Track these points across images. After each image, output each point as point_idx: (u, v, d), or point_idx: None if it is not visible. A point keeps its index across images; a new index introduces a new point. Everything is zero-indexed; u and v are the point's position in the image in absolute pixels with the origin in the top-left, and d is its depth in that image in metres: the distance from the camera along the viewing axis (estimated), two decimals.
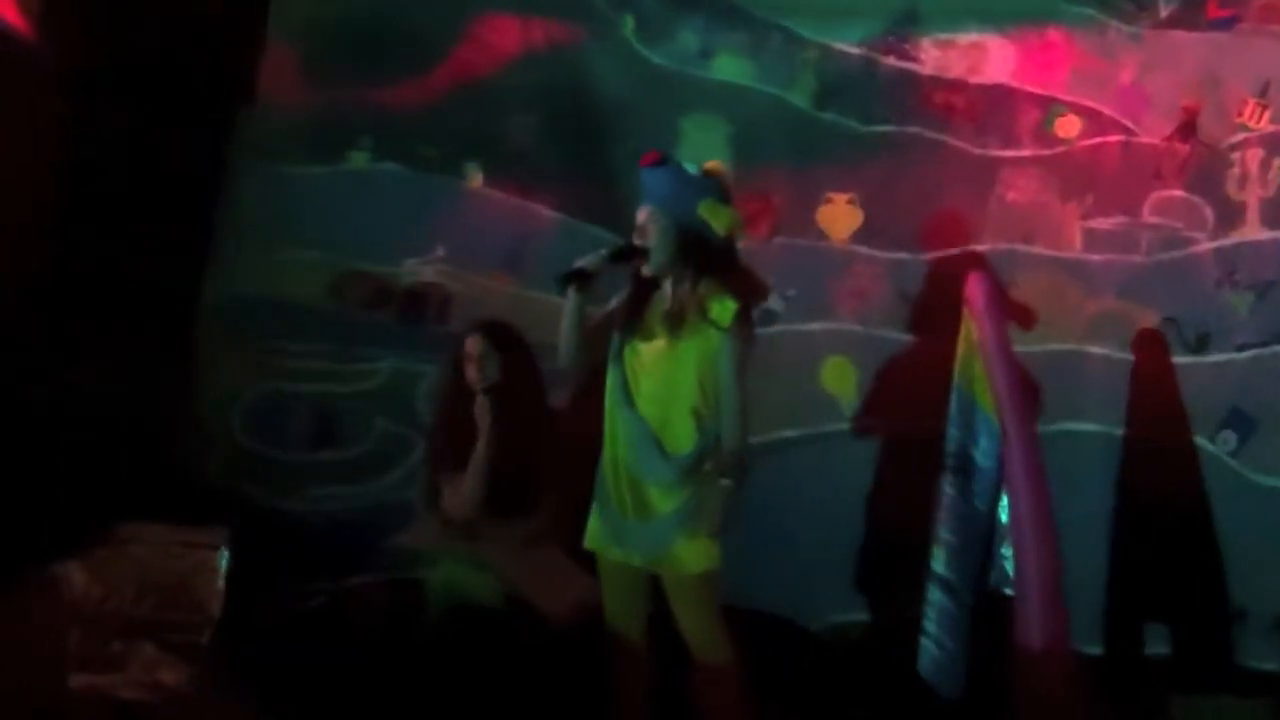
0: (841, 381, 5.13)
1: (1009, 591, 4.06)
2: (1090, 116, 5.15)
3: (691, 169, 3.80)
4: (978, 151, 5.18)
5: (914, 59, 5.23)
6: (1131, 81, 5.14)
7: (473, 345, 4.23)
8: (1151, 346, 5.01)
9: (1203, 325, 4.99)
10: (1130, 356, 5.02)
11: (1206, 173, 5.04)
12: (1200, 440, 4.95)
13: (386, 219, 5.07)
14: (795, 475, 4.99)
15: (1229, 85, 5.06)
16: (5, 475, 4.12)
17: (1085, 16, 5.16)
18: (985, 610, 4.13)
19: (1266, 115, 5.02)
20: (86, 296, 4.62)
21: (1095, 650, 4.85)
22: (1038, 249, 5.13)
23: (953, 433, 4.24)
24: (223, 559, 4.19)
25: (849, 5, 5.27)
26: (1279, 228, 4.97)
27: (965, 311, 4.23)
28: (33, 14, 4.39)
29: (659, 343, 3.78)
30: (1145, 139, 5.10)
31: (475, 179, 5.17)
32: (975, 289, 4.20)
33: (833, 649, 4.96)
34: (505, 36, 5.20)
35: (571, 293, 3.79)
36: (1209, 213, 5.04)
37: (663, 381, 3.77)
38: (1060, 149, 5.16)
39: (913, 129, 5.19)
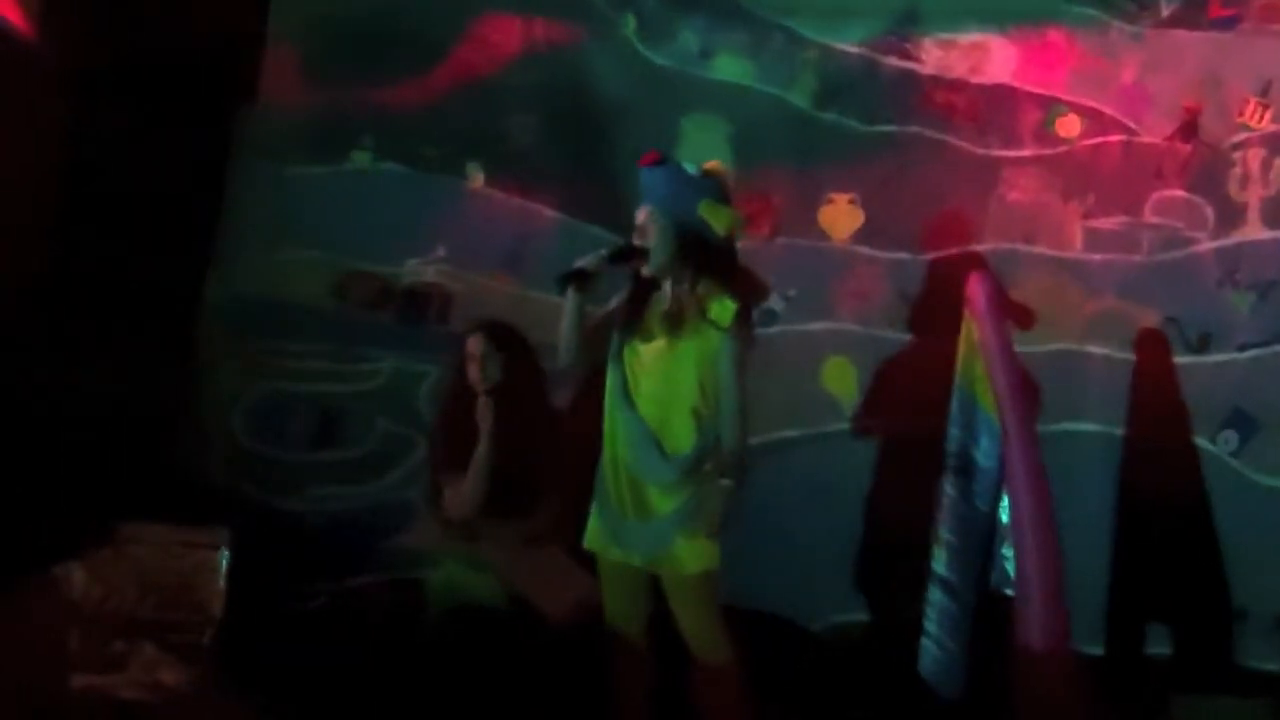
0: (842, 382, 5.13)
1: (1010, 592, 4.06)
2: (1091, 116, 5.15)
3: (691, 169, 3.79)
4: (979, 151, 5.18)
5: (915, 59, 5.23)
6: (1133, 81, 5.14)
7: (474, 345, 4.23)
8: (1153, 346, 5.01)
9: (1204, 325, 4.99)
10: (1131, 356, 5.03)
11: (1208, 172, 5.04)
12: (1201, 440, 4.95)
13: (387, 219, 5.08)
14: (796, 475, 4.99)
15: (1230, 85, 5.06)
16: (6, 475, 4.12)
17: (1086, 16, 5.16)
18: (986, 610, 4.12)
19: (1268, 115, 5.02)
20: (87, 296, 4.63)
21: (1096, 650, 4.85)
22: (1039, 249, 5.13)
23: (954, 433, 4.23)
24: (223, 559, 4.19)
25: (850, 5, 5.27)
26: None
27: (966, 312, 4.23)
28: (34, 14, 4.39)
29: (659, 343, 3.78)
30: (1146, 139, 5.11)
31: (476, 179, 5.18)
32: (976, 289, 4.19)
33: (833, 649, 4.96)
34: (506, 36, 5.21)
35: (571, 293, 3.78)
36: (1210, 212, 5.04)
37: (662, 382, 3.77)
38: (1061, 149, 5.16)
39: (914, 129, 5.19)
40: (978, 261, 4.91)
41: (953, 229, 5.13)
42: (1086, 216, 5.12)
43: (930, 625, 4.19)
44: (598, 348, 3.90)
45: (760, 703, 3.86)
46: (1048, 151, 5.16)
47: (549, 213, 5.15)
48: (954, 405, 4.25)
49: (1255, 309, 4.96)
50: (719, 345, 3.72)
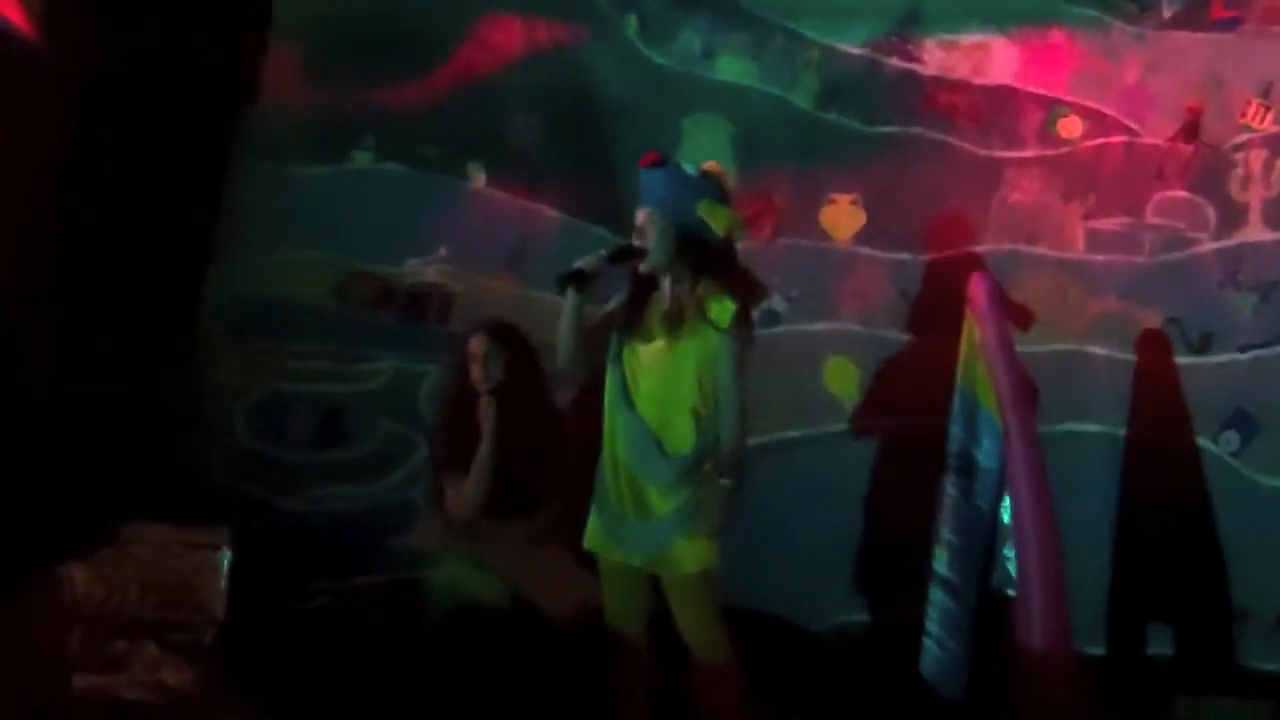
0: (844, 382, 5.13)
1: (1011, 592, 4.06)
2: (1093, 117, 5.15)
3: (690, 169, 3.79)
4: (981, 152, 5.18)
5: (917, 60, 5.23)
6: (1135, 82, 5.14)
7: (477, 345, 4.23)
8: (1154, 347, 5.01)
9: (1205, 326, 5.00)
10: (1133, 357, 5.03)
11: (1209, 173, 5.05)
12: (1203, 441, 4.95)
13: (389, 219, 5.07)
14: (797, 475, 5.00)
15: (1232, 86, 5.06)
16: (7, 475, 4.12)
17: (1088, 17, 5.17)
18: (987, 610, 4.12)
19: (1269, 116, 5.02)
20: (89, 296, 4.63)
21: (1097, 650, 4.85)
22: (1041, 249, 5.13)
23: (955, 433, 4.24)
24: (225, 559, 4.19)
25: (852, 6, 5.27)
26: None
27: (968, 313, 4.23)
28: (35, 14, 4.38)
29: (658, 343, 3.78)
30: (1148, 140, 5.11)
31: (478, 179, 5.18)
32: (977, 290, 4.20)
33: (835, 649, 4.96)
34: (508, 36, 5.20)
35: (571, 293, 3.78)
36: (1212, 213, 5.04)
37: (662, 382, 3.77)
38: (1063, 150, 5.17)
39: (915, 130, 5.19)
40: (976, 262, 4.92)
41: (954, 230, 5.13)
42: (1088, 217, 5.12)
43: (931, 625, 4.20)
44: (597, 348, 3.90)
45: (760, 703, 3.87)
46: (1049, 152, 5.16)
47: (550, 213, 5.15)
48: (955, 405, 4.25)
49: (1257, 310, 4.97)
50: (718, 346, 3.71)
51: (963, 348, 4.27)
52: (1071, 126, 5.16)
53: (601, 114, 5.17)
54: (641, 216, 3.79)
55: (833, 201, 5.21)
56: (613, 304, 3.92)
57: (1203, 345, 4.99)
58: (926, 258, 5.14)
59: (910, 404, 4.84)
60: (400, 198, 5.09)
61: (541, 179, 5.16)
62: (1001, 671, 4.02)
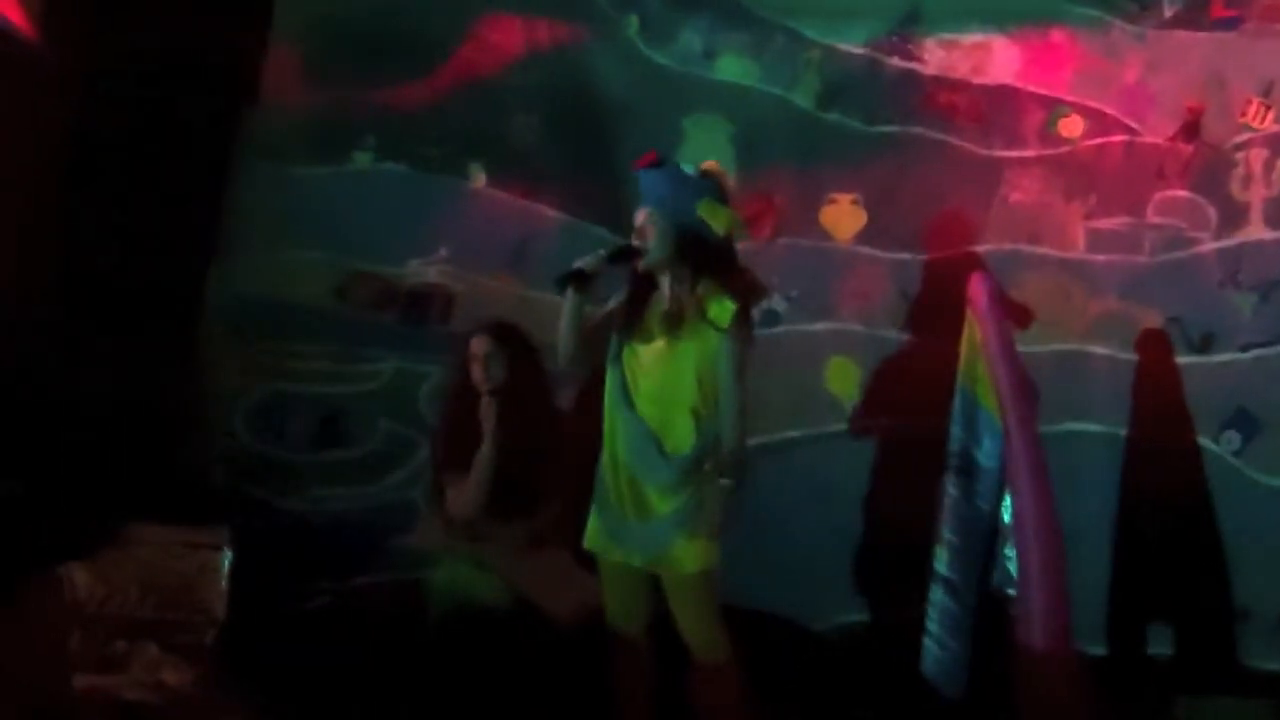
0: (845, 382, 5.13)
1: (1012, 592, 4.06)
2: (1094, 117, 5.15)
3: (688, 169, 3.79)
4: (981, 152, 5.18)
5: (918, 59, 5.23)
6: (1135, 82, 5.14)
7: (478, 346, 4.23)
8: (1155, 347, 5.01)
9: (1206, 325, 4.99)
10: (1134, 357, 5.02)
11: (1210, 173, 5.04)
12: (1204, 440, 4.95)
13: (390, 219, 5.07)
14: (799, 475, 5.00)
15: (1233, 85, 5.06)
16: (8, 475, 4.12)
17: (1089, 17, 5.16)
18: (988, 610, 4.12)
19: (1270, 115, 5.01)
20: (90, 297, 4.63)
21: (1098, 650, 4.85)
22: (1041, 249, 5.13)
23: (956, 433, 4.24)
24: (226, 559, 4.20)
25: (853, 6, 5.27)
26: None
27: (968, 312, 4.23)
28: (35, 14, 4.39)
29: (658, 344, 3.78)
30: (1149, 139, 5.11)
31: (479, 179, 5.17)
32: (978, 290, 4.20)
33: (835, 649, 4.96)
34: (508, 36, 5.20)
35: (570, 293, 3.78)
36: (1213, 213, 5.04)
37: (662, 382, 3.77)
38: (1064, 149, 5.16)
39: (916, 129, 5.19)
40: (977, 261, 4.91)
41: (955, 229, 5.13)
42: (1089, 217, 5.12)
43: (932, 625, 4.20)
44: (597, 348, 3.90)
45: (760, 703, 3.87)
46: (1050, 152, 5.16)
47: (551, 213, 5.15)
48: (956, 405, 4.25)
49: (1257, 309, 4.96)
50: (718, 346, 3.71)
51: (963, 348, 4.26)
52: (1072, 126, 5.16)
53: (602, 114, 5.17)
54: (641, 217, 3.79)
55: (833, 201, 5.21)
56: (612, 304, 3.92)
57: (1204, 345, 4.99)
58: (927, 257, 5.13)
59: (910, 404, 4.84)
60: (401, 198, 5.09)
61: (542, 179, 5.16)
62: (1002, 671, 4.02)
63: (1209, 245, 5.03)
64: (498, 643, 3.99)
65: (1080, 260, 5.10)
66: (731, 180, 4.15)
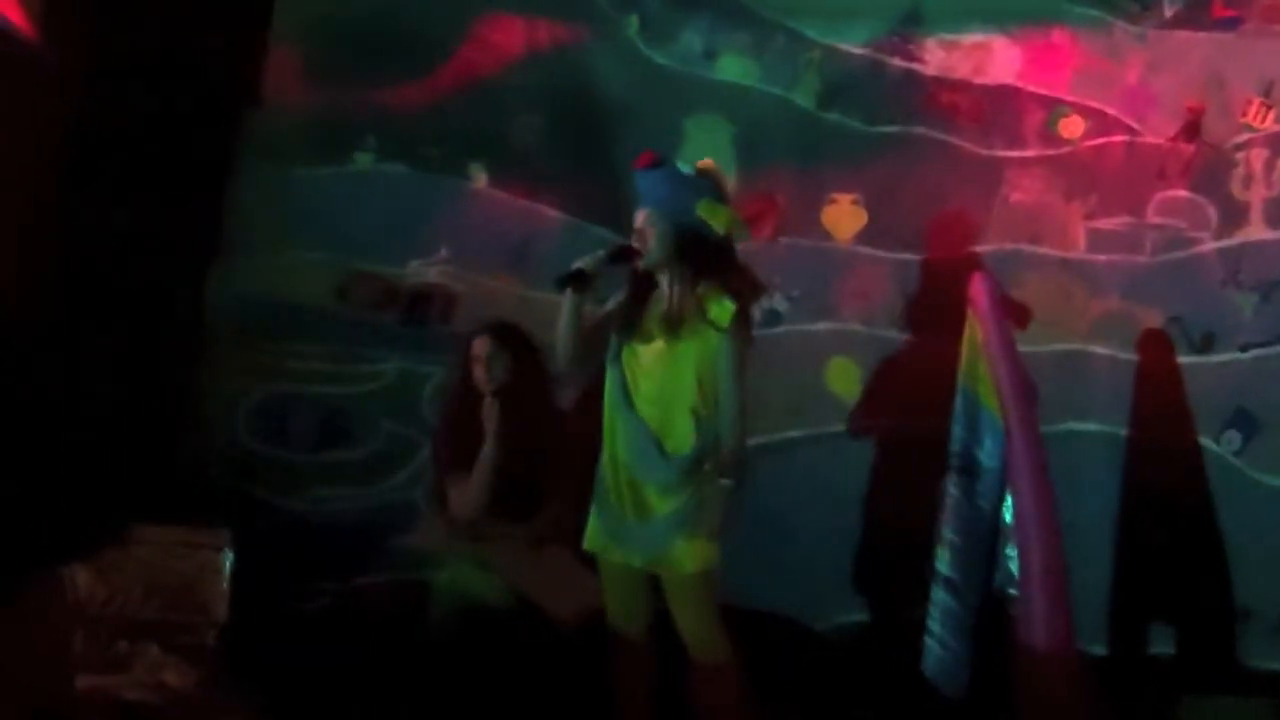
0: (846, 382, 5.13)
1: (1013, 591, 4.06)
2: (1095, 117, 5.15)
3: (686, 169, 3.79)
4: (982, 152, 5.18)
5: (918, 59, 5.23)
6: (1136, 82, 5.14)
7: (480, 346, 4.23)
8: (1156, 346, 5.01)
9: (1207, 325, 4.99)
10: (1135, 357, 5.02)
11: (1211, 173, 5.04)
12: (1205, 440, 4.94)
13: (390, 220, 5.07)
14: (800, 475, 5.00)
15: (1233, 85, 5.06)
16: (9, 476, 4.11)
17: (1090, 17, 5.16)
18: (989, 610, 4.13)
19: (1271, 115, 5.01)
20: (91, 297, 4.62)
21: (1100, 650, 4.85)
22: (1042, 249, 5.13)
23: (957, 433, 4.24)
24: (227, 560, 4.19)
25: (853, 6, 5.27)
26: None
27: (969, 312, 4.23)
28: (35, 14, 4.38)
29: (658, 344, 3.78)
30: (1150, 139, 5.10)
31: (479, 179, 5.17)
32: (978, 290, 4.20)
33: (836, 649, 4.96)
34: (509, 37, 5.20)
35: (569, 294, 3.78)
36: (1213, 213, 5.04)
37: (661, 382, 3.77)
38: (1065, 149, 5.16)
39: (917, 129, 5.19)
40: (978, 262, 4.92)
41: (956, 230, 5.13)
42: (1090, 217, 5.12)
43: (933, 625, 4.20)
44: (596, 349, 3.90)
45: (760, 703, 3.86)
46: (1051, 152, 5.16)
47: (552, 213, 5.14)
48: (957, 405, 4.25)
49: (1258, 309, 4.96)
50: (718, 346, 3.72)
51: (964, 348, 4.26)
52: (1073, 126, 5.16)
53: (603, 114, 5.17)
54: (641, 218, 3.79)
55: (834, 201, 5.21)
56: (612, 304, 3.92)
57: (1204, 345, 4.98)
58: (928, 257, 5.13)
59: (911, 404, 4.83)
60: (402, 198, 5.09)
61: (543, 179, 5.16)
62: (1003, 671, 4.03)
63: (1210, 245, 5.03)
64: (499, 643, 3.99)
65: (1081, 260, 5.10)
66: (732, 180, 4.17)
